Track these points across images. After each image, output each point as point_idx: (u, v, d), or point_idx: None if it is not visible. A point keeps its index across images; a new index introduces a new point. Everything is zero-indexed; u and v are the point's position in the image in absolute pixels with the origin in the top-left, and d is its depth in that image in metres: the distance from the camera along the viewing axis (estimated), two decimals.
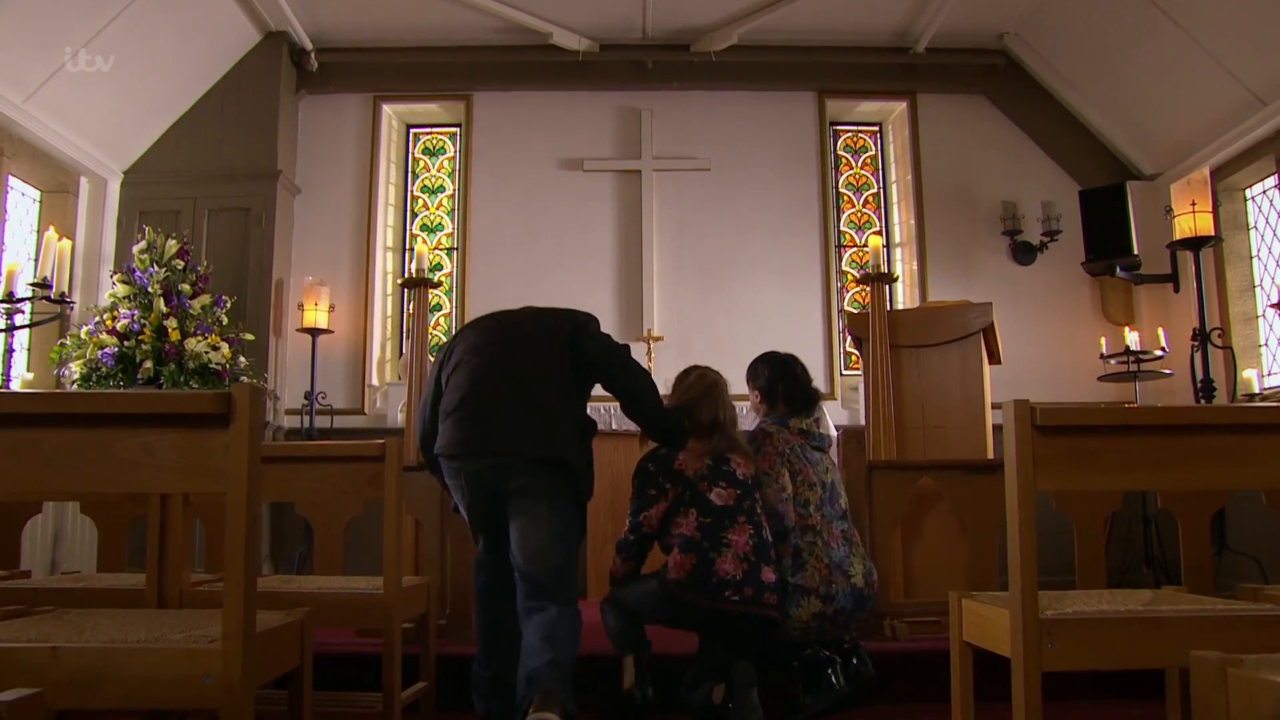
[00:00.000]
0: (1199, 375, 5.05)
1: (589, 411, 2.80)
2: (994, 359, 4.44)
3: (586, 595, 4.29)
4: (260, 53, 6.10)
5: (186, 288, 4.81)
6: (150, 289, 4.71)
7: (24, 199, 5.53)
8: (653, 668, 2.79)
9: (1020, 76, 6.37)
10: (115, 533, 3.34)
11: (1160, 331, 5.51)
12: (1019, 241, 6.22)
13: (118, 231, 5.85)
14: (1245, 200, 5.74)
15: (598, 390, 2.79)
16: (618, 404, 2.83)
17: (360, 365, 6.21)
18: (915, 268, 6.34)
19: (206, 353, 4.68)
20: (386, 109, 6.58)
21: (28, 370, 5.18)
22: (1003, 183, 6.33)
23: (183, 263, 4.88)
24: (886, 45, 6.37)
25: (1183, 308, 5.73)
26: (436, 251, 6.57)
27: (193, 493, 2.26)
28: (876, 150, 6.81)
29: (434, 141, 6.82)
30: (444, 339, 6.43)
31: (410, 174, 6.75)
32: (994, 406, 4.25)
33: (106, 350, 4.49)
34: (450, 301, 6.49)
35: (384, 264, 6.49)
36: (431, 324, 6.36)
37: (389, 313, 6.53)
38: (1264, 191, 5.59)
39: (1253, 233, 5.68)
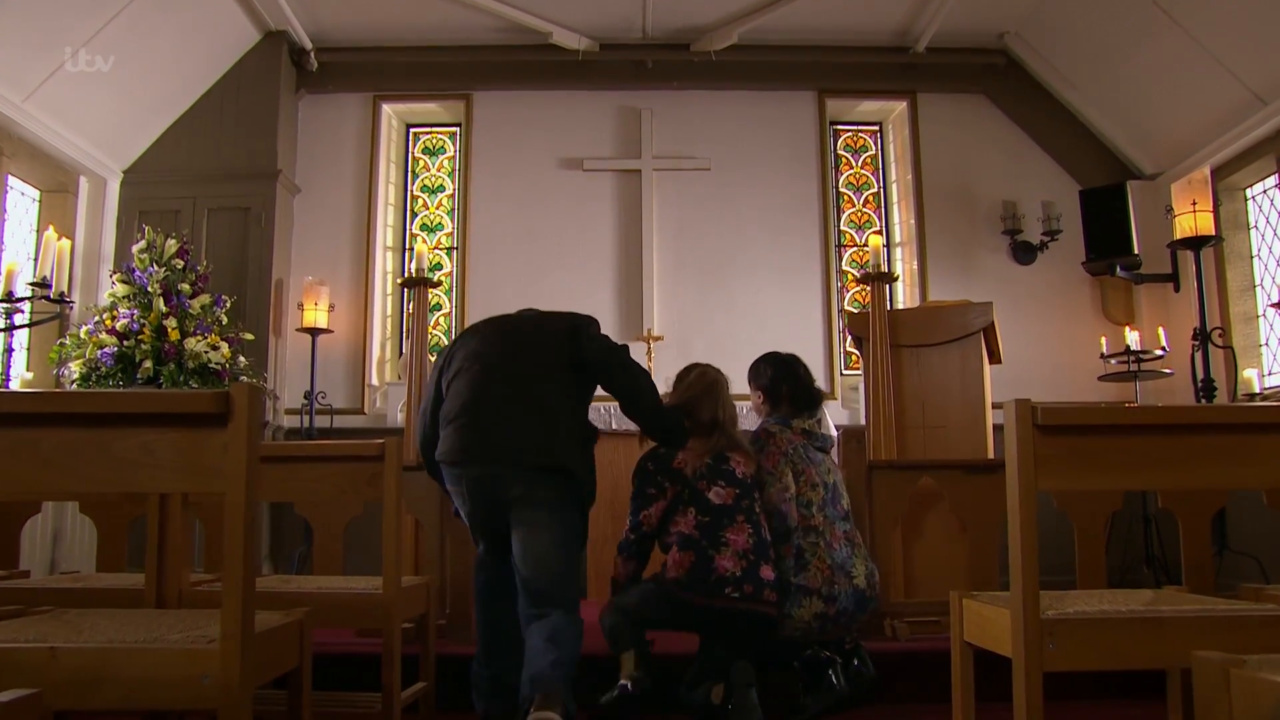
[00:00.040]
0: (1199, 375, 5.05)
1: (590, 414, 2.79)
2: (994, 359, 4.43)
3: (587, 595, 4.29)
4: (260, 52, 6.10)
5: (186, 287, 4.80)
6: (150, 288, 4.71)
7: (23, 198, 5.52)
8: (653, 666, 2.78)
9: (1020, 76, 6.37)
10: (114, 533, 3.34)
11: (1161, 331, 5.51)
12: (1019, 241, 6.22)
13: (117, 231, 5.85)
14: (1246, 200, 5.73)
15: (598, 391, 2.79)
16: (617, 404, 2.83)
17: (360, 365, 6.21)
18: (915, 267, 6.34)
19: (206, 352, 4.67)
20: (386, 108, 6.58)
21: (27, 370, 5.17)
22: (1003, 182, 6.33)
23: (182, 262, 4.88)
24: (887, 45, 6.36)
25: (1183, 307, 5.73)
26: (436, 251, 6.57)
27: (191, 492, 2.25)
28: (877, 150, 6.81)
29: (434, 141, 6.82)
30: (444, 339, 6.43)
31: (410, 173, 6.75)
32: (994, 406, 4.25)
33: (106, 350, 4.49)
34: (450, 301, 6.48)
35: (384, 263, 6.49)
36: (431, 324, 6.36)
37: (389, 312, 6.53)
38: (1264, 191, 5.59)
39: (1253, 232, 5.67)
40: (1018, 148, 6.40)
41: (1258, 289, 5.59)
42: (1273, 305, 5.34)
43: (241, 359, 4.95)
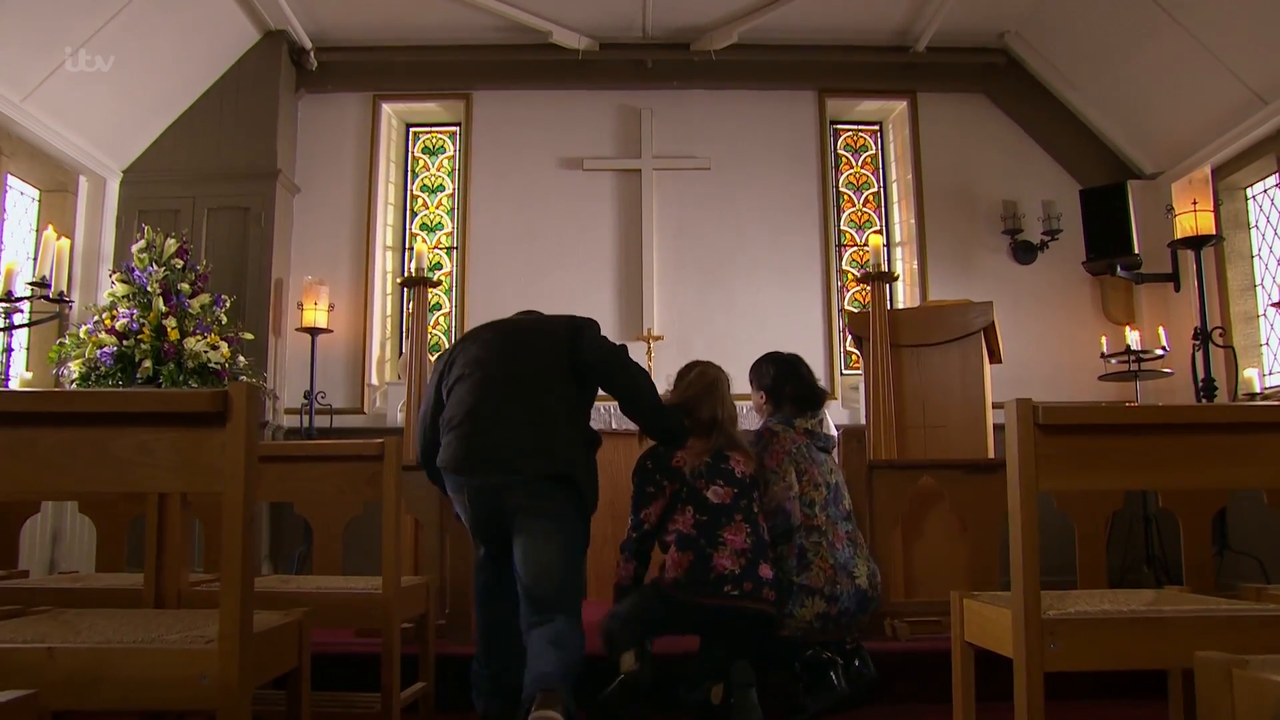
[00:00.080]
0: (1200, 374, 5.04)
1: (591, 414, 2.79)
2: (995, 358, 4.43)
3: (587, 595, 4.28)
4: (259, 52, 6.09)
5: (185, 287, 4.80)
6: (149, 288, 4.71)
7: (23, 198, 5.52)
8: (652, 662, 2.77)
9: (1021, 75, 6.36)
10: (114, 532, 3.33)
11: (1161, 331, 5.50)
12: (1019, 241, 6.21)
13: (117, 231, 5.85)
14: (1246, 199, 5.73)
15: (598, 391, 2.79)
16: (617, 404, 2.83)
17: (360, 365, 6.20)
18: (915, 267, 6.33)
19: (206, 352, 4.67)
20: (386, 108, 6.57)
21: (27, 369, 5.17)
22: (1003, 182, 6.32)
23: (182, 262, 4.87)
24: (887, 44, 6.36)
25: (1183, 307, 5.73)
26: (436, 251, 6.57)
27: (190, 492, 2.25)
28: (877, 149, 6.80)
29: (434, 140, 6.81)
30: (444, 338, 6.43)
31: (410, 173, 6.75)
32: (995, 406, 4.24)
33: (105, 349, 4.48)
34: (450, 301, 6.48)
35: (383, 263, 6.48)
36: (431, 323, 6.35)
37: (388, 312, 6.53)
38: (1265, 190, 5.58)
39: (1254, 231, 5.67)
40: (1018, 147, 6.39)
41: (1258, 288, 5.59)
42: (1273, 305, 5.34)
43: (241, 359, 4.95)
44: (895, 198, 6.65)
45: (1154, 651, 1.81)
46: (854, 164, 6.76)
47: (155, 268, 4.76)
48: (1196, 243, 5.02)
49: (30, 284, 4.31)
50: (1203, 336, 5.06)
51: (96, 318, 4.66)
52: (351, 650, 3.07)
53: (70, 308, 5.11)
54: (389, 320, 6.52)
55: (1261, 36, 4.84)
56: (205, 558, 3.62)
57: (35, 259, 4.54)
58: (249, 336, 5.21)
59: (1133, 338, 5.46)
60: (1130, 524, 5.09)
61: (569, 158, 6.42)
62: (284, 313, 6.09)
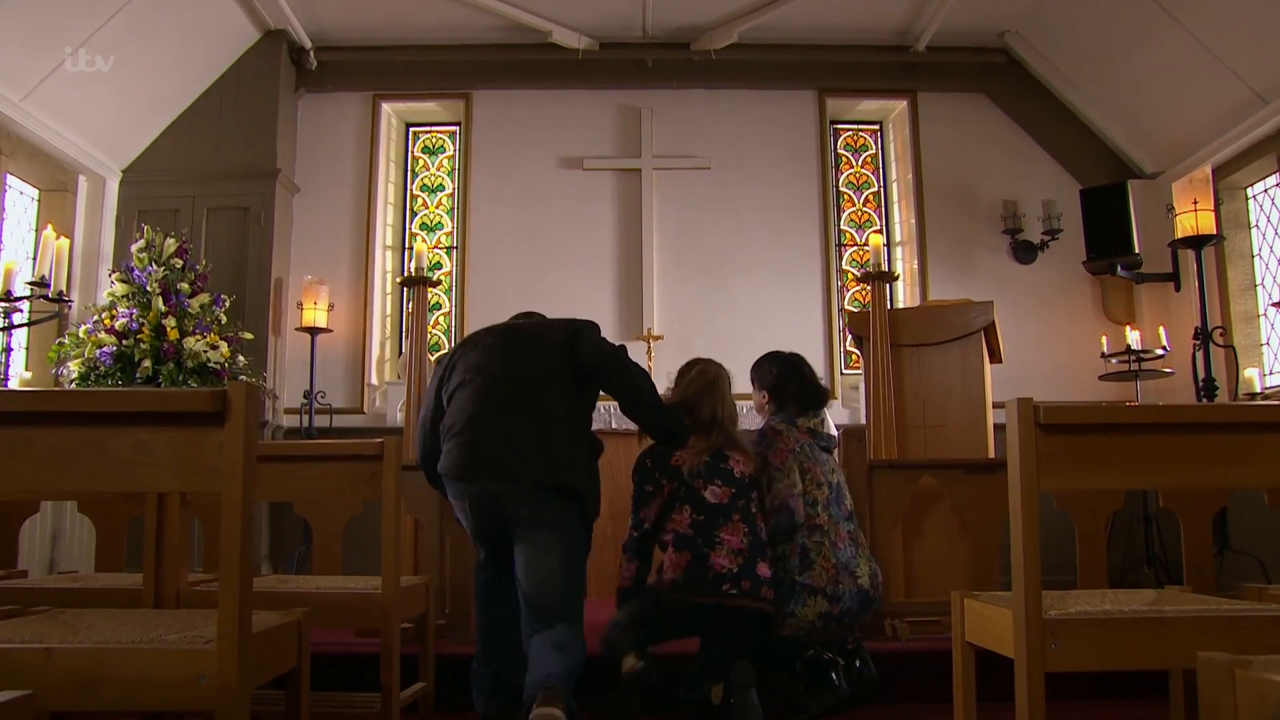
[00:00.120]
0: (1200, 374, 5.04)
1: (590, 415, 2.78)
2: (995, 358, 4.42)
3: (587, 594, 4.27)
4: (259, 51, 6.09)
5: (185, 286, 4.79)
6: (149, 288, 4.70)
7: (22, 197, 5.51)
8: (654, 662, 2.77)
9: (1021, 75, 6.36)
10: (113, 532, 3.33)
11: (1161, 330, 5.50)
12: (1020, 240, 6.21)
13: (116, 230, 5.84)
14: (1247, 198, 5.72)
15: (599, 393, 2.79)
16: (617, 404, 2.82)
17: (360, 364, 6.20)
18: (916, 266, 6.33)
19: (205, 352, 4.66)
20: (386, 107, 6.57)
21: (26, 369, 5.16)
22: (1003, 181, 6.32)
23: (181, 261, 4.87)
24: (887, 44, 6.35)
25: (1184, 306, 5.72)
26: (436, 250, 6.56)
27: (188, 491, 2.24)
28: (877, 149, 6.80)
29: (433, 140, 6.81)
30: (443, 338, 6.42)
31: (410, 173, 6.74)
32: (995, 405, 4.24)
33: (105, 349, 4.48)
34: (450, 300, 6.47)
35: (383, 263, 6.48)
36: (431, 323, 6.35)
37: (388, 311, 6.52)
38: (1265, 190, 5.58)
39: (1254, 231, 5.66)
40: (1018, 147, 6.39)
41: (1259, 288, 5.58)
42: (1274, 304, 5.33)
43: (240, 358, 4.94)
44: (895, 197, 6.64)
45: (1155, 652, 1.80)
46: (854, 164, 6.76)
47: (155, 267, 4.75)
48: (1197, 242, 5.02)
49: (30, 283, 4.30)
50: (1203, 336, 5.06)
51: (96, 317, 4.65)
52: (351, 650, 3.07)
53: (69, 307, 5.11)
54: (389, 320, 6.52)
55: (1262, 36, 4.84)
56: (205, 557, 3.61)
57: (35, 258, 4.54)
58: (248, 336, 5.21)
59: (1133, 337, 5.46)
60: (1130, 523, 5.09)
61: (569, 157, 6.42)
62: (284, 312, 6.08)
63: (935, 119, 6.44)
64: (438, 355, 6.04)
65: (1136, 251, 5.72)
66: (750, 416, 3.91)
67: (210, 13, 5.62)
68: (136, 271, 4.76)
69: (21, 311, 4.43)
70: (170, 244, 4.85)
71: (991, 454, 4.08)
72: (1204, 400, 4.98)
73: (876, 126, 6.82)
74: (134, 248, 4.88)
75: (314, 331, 5.80)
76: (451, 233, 6.60)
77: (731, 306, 6.22)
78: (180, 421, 1.57)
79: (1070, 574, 3.28)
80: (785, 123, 6.48)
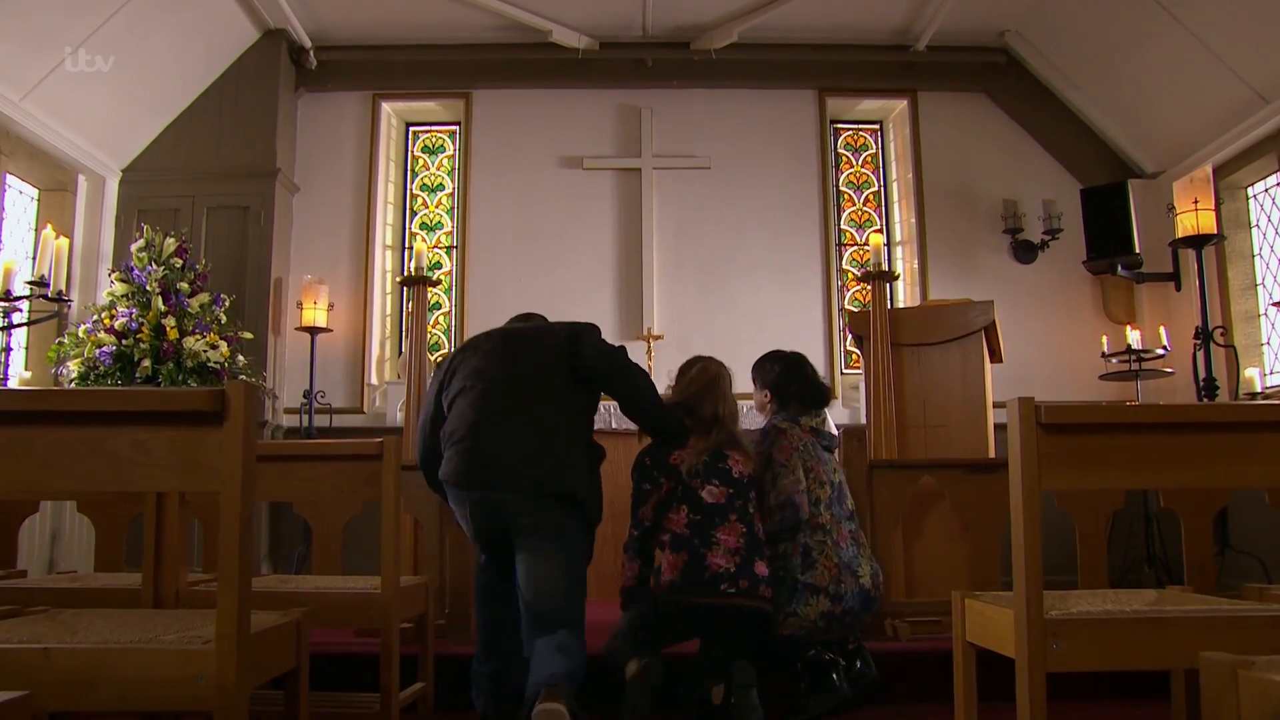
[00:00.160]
0: (1201, 374, 5.03)
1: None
2: (995, 357, 4.42)
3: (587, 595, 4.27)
4: (259, 51, 6.08)
5: (185, 286, 4.79)
6: (148, 287, 4.70)
7: (22, 197, 5.51)
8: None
9: (1021, 74, 6.35)
10: (113, 532, 3.32)
11: (1162, 330, 5.49)
12: (1020, 240, 6.20)
13: (116, 230, 5.84)
14: (1247, 198, 5.72)
15: (601, 396, 2.78)
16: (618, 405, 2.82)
17: (359, 364, 6.20)
18: (916, 266, 6.33)
19: (205, 351, 4.66)
20: (386, 107, 6.56)
21: (25, 369, 5.16)
22: (1004, 181, 6.31)
23: (181, 261, 4.86)
24: (887, 43, 6.35)
25: (1184, 306, 5.72)
26: (436, 250, 6.56)
27: (187, 491, 2.24)
28: (877, 148, 6.80)
29: (433, 140, 6.80)
30: (443, 338, 6.42)
31: (409, 172, 6.74)
32: (996, 405, 4.23)
33: (104, 349, 4.47)
34: (450, 300, 6.47)
35: (383, 262, 6.47)
36: (431, 322, 6.34)
37: (388, 311, 6.52)
38: (1266, 190, 5.57)
39: (1255, 231, 5.66)
40: (1018, 146, 6.39)
41: (1259, 288, 5.58)
42: (1274, 304, 5.33)
43: (240, 358, 4.93)
44: (895, 197, 6.64)
45: (1157, 652, 1.80)
46: (854, 163, 6.75)
47: (154, 267, 4.75)
48: (1197, 242, 5.01)
49: (29, 283, 4.30)
50: (1204, 336, 5.05)
51: (95, 317, 4.65)
52: (350, 650, 3.06)
53: (69, 307, 5.10)
54: (389, 319, 6.51)
55: (1262, 35, 4.83)
56: (204, 557, 3.61)
57: (34, 258, 4.53)
58: (248, 336, 5.20)
59: (1134, 337, 5.45)
60: (1131, 523, 5.08)
61: (569, 157, 6.41)
62: (283, 312, 6.08)
63: (935, 119, 6.44)
64: (437, 358, 6.04)
65: (1137, 251, 5.72)
66: (750, 416, 3.90)
67: (210, 12, 5.61)
68: (136, 271, 4.76)
69: (21, 311, 4.42)
70: (170, 243, 4.84)
71: (992, 454, 4.07)
72: (1205, 400, 4.97)
73: (876, 126, 6.81)
74: (133, 247, 4.88)
75: (314, 331, 5.79)
76: (451, 232, 6.59)
77: (731, 306, 6.21)
78: (179, 421, 1.57)
79: (1071, 574, 3.28)
80: (785, 122, 6.48)
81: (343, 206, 6.35)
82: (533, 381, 2.62)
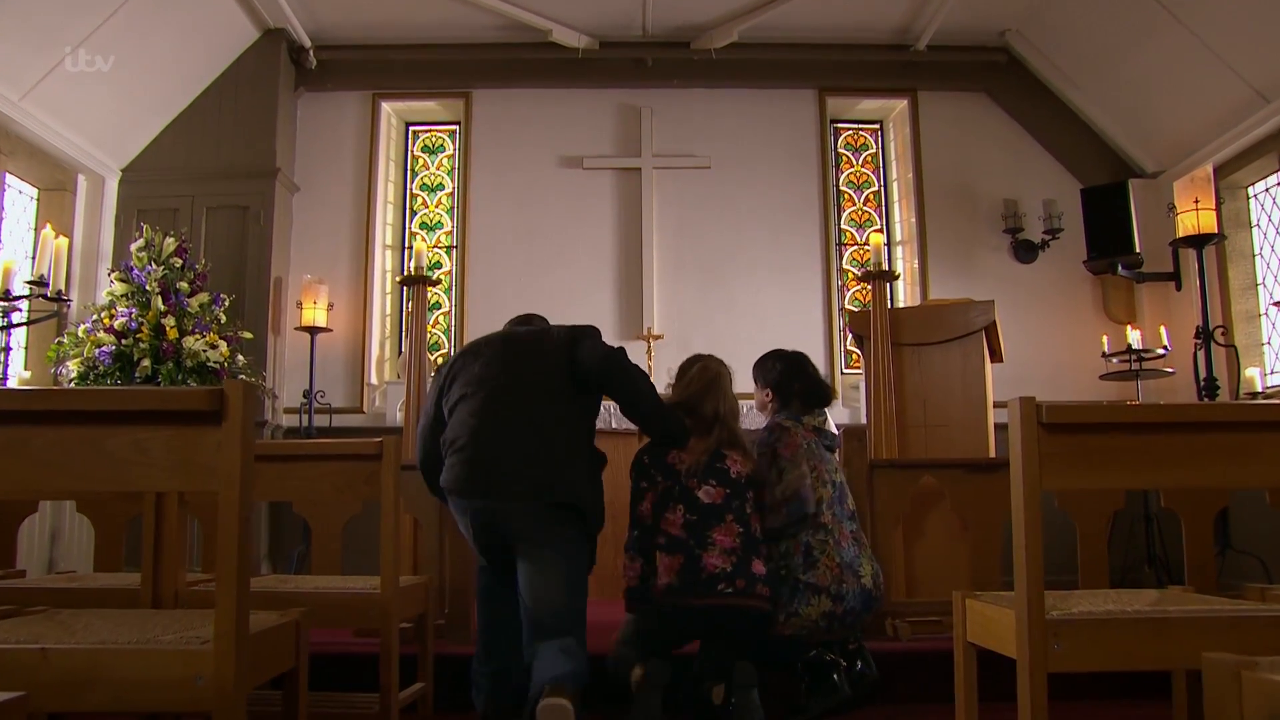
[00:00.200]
0: (1202, 374, 5.03)
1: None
2: (996, 357, 4.41)
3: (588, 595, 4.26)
4: (259, 50, 6.08)
5: (184, 286, 4.78)
6: (148, 287, 4.69)
7: (21, 196, 5.51)
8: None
9: (1022, 74, 6.35)
10: (112, 532, 3.32)
11: (1162, 330, 5.49)
12: (1020, 239, 6.20)
13: (115, 229, 5.83)
14: (1248, 198, 5.71)
15: (602, 400, 2.78)
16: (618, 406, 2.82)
17: (359, 364, 6.19)
18: (916, 266, 6.32)
19: (204, 351, 4.65)
20: (386, 106, 6.56)
21: (25, 369, 5.16)
22: (1004, 180, 6.31)
23: (181, 261, 4.86)
24: (887, 43, 6.34)
25: (1185, 306, 5.71)
26: (436, 249, 6.55)
27: (186, 491, 2.23)
28: (877, 148, 6.79)
29: (433, 139, 6.80)
30: (443, 338, 6.41)
31: (409, 172, 6.73)
32: (996, 405, 4.22)
33: (104, 349, 4.47)
34: (449, 300, 6.46)
35: (383, 262, 6.47)
36: (431, 322, 6.34)
37: (388, 311, 6.51)
38: (1267, 189, 5.57)
39: (1255, 230, 5.65)
40: (1019, 146, 6.38)
41: (1260, 287, 5.57)
42: (1275, 304, 5.32)
43: (240, 358, 4.93)
44: (896, 196, 6.63)
45: (1159, 652, 1.80)
46: (854, 163, 6.75)
47: (154, 266, 4.74)
48: (1198, 241, 5.01)
49: (29, 283, 4.29)
50: (1204, 335, 5.05)
51: (95, 317, 4.64)
52: (350, 650, 3.06)
53: (69, 307, 5.10)
54: (388, 319, 6.51)
55: (1263, 35, 4.83)
56: (203, 557, 3.60)
57: (34, 258, 4.53)
58: (248, 335, 5.20)
59: (1134, 337, 5.45)
60: (1132, 523, 5.08)
61: (569, 156, 6.41)
62: (283, 312, 6.08)
63: (935, 118, 6.44)
64: (437, 358, 6.04)
65: (1137, 251, 5.71)
66: (751, 415, 3.90)
67: (209, 12, 5.61)
68: (136, 271, 4.75)
69: (20, 311, 4.42)
70: (169, 243, 4.84)
71: (992, 453, 4.07)
72: (1205, 400, 4.97)
73: (877, 126, 6.81)
74: (133, 247, 4.87)
75: (313, 331, 5.79)
76: (451, 232, 6.59)
77: (731, 306, 6.21)
78: (177, 420, 1.57)
79: (1071, 574, 3.27)
80: (785, 122, 6.47)
81: (342, 206, 6.35)
82: (533, 388, 2.61)
